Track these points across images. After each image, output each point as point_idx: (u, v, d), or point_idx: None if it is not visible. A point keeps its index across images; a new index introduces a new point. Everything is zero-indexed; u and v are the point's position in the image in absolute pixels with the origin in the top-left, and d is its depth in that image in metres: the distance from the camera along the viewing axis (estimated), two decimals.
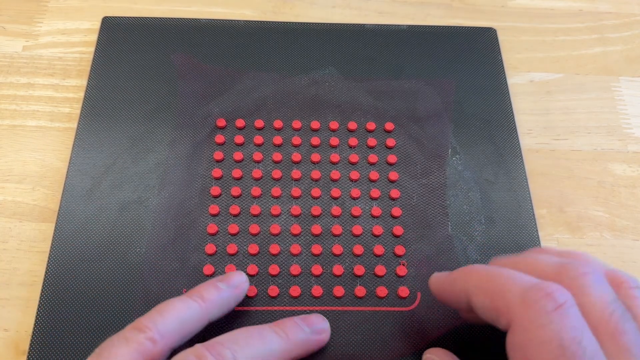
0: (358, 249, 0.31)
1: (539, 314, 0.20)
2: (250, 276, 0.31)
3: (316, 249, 0.31)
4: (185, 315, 0.25)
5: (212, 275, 0.30)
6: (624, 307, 0.21)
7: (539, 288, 0.21)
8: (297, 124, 0.35)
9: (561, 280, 0.21)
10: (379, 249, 0.31)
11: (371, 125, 0.36)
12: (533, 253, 0.25)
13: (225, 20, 0.40)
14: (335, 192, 0.33)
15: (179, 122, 0.35)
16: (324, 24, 0.40)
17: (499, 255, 0.26)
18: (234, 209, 0.32)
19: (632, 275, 0.24)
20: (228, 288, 0.27)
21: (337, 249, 0.31)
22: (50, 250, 0.31)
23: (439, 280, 0.26)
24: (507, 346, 0.21)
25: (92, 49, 0.39)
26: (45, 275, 0.30)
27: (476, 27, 0.41)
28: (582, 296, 0.21)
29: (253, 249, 0.31)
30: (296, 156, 0.34)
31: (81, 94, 0.37)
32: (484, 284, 0.23)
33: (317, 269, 0.31)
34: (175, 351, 0.24)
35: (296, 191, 0.33)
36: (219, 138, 0.35)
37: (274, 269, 0.31)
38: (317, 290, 0.30)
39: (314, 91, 0.37)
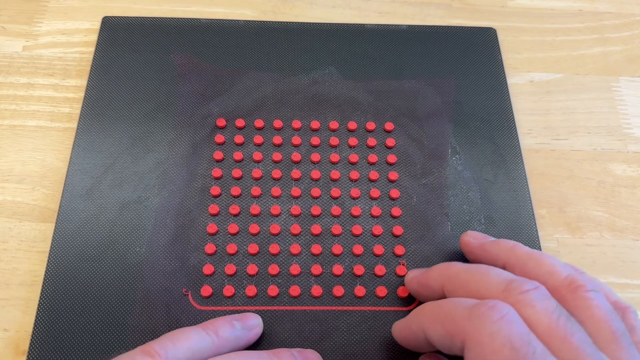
0: (358, 249, 0.31)
1: (486, 324, 0.21)
2: (250, 276, 0.31)
3: (316, 248, 0.31)
4: (197, 347, 0.25)
5: (211, 275, 0.30)
6: (567, 313, 0.22)
7: (482, 304, 0.22)
8: (297, 123, 0.35)
9: (506, 297, 0.23)
10: (378, 249, 0.31)
11: (371, 125, 0.36)
12: (483, 269, 0.26)
13: (225, 20, 0.40)
14: (335, 192, 0.33)
15: (178, 122, 0.35)
16: (324, 24, 0.40)
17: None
18: (234, 209, 0.32)
19: (592, 279, 0.24)
20: (242, 329, 0.27)
21: (337, 248, 0.31)
22: (50, 250, 0.31)
23: (398, 326, 0.27)
24: None
25: (92, 49, 0.39)
26: (45, 275, 0.30)
27: (476, 27, 0.41)
28: (526, 309, 0.22)
29: (253, 248, 0.31)
30: (296, 156, 0.34)
31: (81, 94, 0.37)
32: (435, 314, 0.24)
33: (316, 269, 0.31)
34: None
35: (296, 191, 0.33)
36: (219, 138, 0.35)
37: (273, 269, 0.31)
38: (316, 290, 0.30)
39: (314, 91, 0.37)
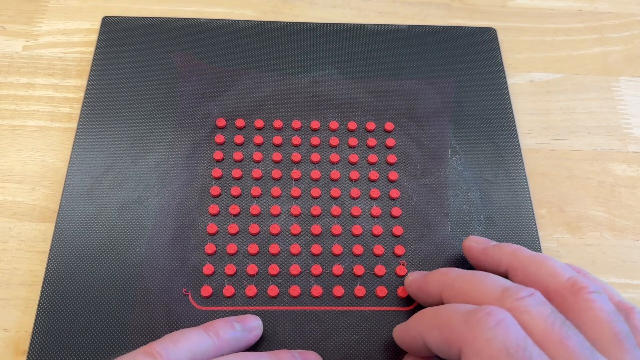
0: (358, 249, 0.31)
1: (482, 331, 0.21)
2: (250, 276, 0.31)
3: (316, 248, 0.31)
4: (198, 348, 0.25)
5: (211, 275, 0.30)
6: (563, 317, 0.22)
7: (478, 310, 0.22)
8: (297, 123, 0.35)
9: (502, 303, 0.23)
10: (378, 249, 0.31)
11: (371, 125, 0.36)
12: (479, 275, 0.26)
13: (225, 20, 0.40)
14: (335, 192, 0.33)
15: (178, 122, 0.35)
16: (324, 24, 0.40)
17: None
18: (234, 209, 0.32)
19: (595, 280, 0.25)
20: (242, 331, 0.27)
21: (337, 248, 0.31)
22: (50, 250, 0.31)
23: (398, 329, 0.27)
24: None
25: (92, 49, 0.39)
26: (45, 275, 0.30)
27: (476, 27, 0.41)
28: (522, 314, 0.22)
29: (253, 248, 0.31)
30: (296, 156, 0.34)
31: (81, 94, 0.37)
32: (432, 321, 0.24)
33: (316, 269, 0.31)
34: None
35: (296, 191, 0.33)
36: (219, 138, 0.35)
37: (273, 269, 0.31)
38: (316, 290, 0.30)
39: (314, 91, 0.37)
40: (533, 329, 0.22)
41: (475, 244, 0.29)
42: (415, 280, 0.29)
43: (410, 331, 0.26)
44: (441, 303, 0.26)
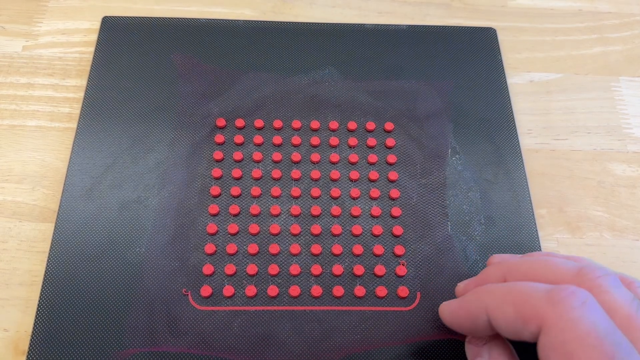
0: (358, 249, 0.31)
1: (568, 310, 0.21)
2: (249, 276, 0.31)
3: (316, 248, 0.31)
4: None
5: (211, 275, 0.30)
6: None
7: (561, 289, 0.21)
8: (296, 123, 0.35)
9: (580, 283, 0.22)
10: (378, 249, 0.31)
11: (371, 125, 0.36)
12: (541, 256, 0.25)
13: (225, 20, 0.40)
14: (335, 192, 0.33)
15: (178, 122, 0.35)
16: (324, 24, 0.40)
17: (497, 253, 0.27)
18: (234, 209, 0.32)
19: (636, 278, 0.24)
20: None
21: (337, 248, 0.31)
22: (50, 250, 0.31)
23: (450, 306, 0.26)
24: (541, 350, 0.21)
25: (92, 49, 0.39)
26: (44, 275, 0.30)
27: (476, 27, 0.41)
28: (603, 295, 0.22)
29: (253, 248, 0.31)
30: (296, 156, 0.34)
31: (81, 94, 0.37)
32: (505, 296, 0.23)
33: (316, 269, 0.31)
34: None
35: (296, 191, 0.33)
36: (219, 138, 0.35)
37: (273, 269, 0.31)
38: (316, 290, 0.30)
39: (314, 91, 0.37)
40: (614, 312, 0.21)
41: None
42: (470, 281, 0.27)
43: (469, 307, 0.25)
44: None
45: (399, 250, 0.31)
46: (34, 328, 0.29)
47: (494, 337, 0.25)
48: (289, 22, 0.40)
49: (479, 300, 0.24)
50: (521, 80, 0.39)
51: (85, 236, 0.31)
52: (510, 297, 0.23)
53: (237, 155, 0.34)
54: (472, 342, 0.26)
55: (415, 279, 0.31)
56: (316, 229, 0.32)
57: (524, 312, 0.22)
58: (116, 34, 0.39)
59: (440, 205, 0.33)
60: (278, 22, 0.40)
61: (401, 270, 0.31)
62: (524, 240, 0.32)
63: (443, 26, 0.40)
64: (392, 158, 0.34)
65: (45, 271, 0.30)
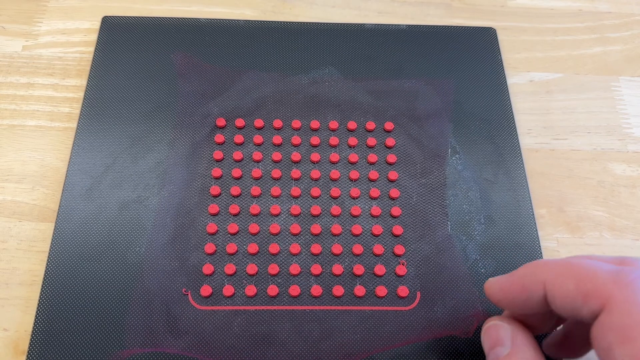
0: (357, 249, 0.31)
1: (637, 294, 0.20)
2: (249, 276, 0.31)
3: (316, 248, 0.31)
4: None
5: (211, 275, 0.30)
6: None
7: (631, 270, 0.21)
8: (296, 123, 0.35)
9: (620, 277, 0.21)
10: (378, 249, 0.31)
11: (371, 125, 0.36)
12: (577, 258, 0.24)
13: (225, 20, 0.40)
14: (335, 191, 0.33)
15: (178, 121, 0.35)
16: (324, 23, 0.40)
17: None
18: (234, 209, 0.32)
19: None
20: None
21: (337, 248, 0.31)
22: (49, 250, 0.31)
23: (500, 281, 0.25)
24: (598, 329, 0.21)
25: (92, 48, 0.39)
26: (44, 275, 0.30)
27: (476, 27, 0.41)
28: None
29: (253, 248, 0.31)
30: (296, 156, 0.34)
31: (81, 94, 0.37)
32: (566, 271, 0.22)
33: (316, 269, 0.31)
34: None
35: (296, 190, 0.33)
36: (219, 137, 0.35)
37: (273, 269, 0.31)
38: (316, 290, 0.30)
39: (314, 91, 0.37)
40: None
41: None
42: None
43: (524, 280, 0.24)
44: (542, 299, 0.23)
45: (399, 249, 0.31)
46: (33, 328, 0.29)
47: (518, 325, 0.25)
48: (289, 22, 0.40)
49: (536, 274, 0.23)
50: (521, 80, 0.39)
51: (85, 236, 0.31)
52: (573, 272, 0.22)
53: (237, 155, 0.34)
54: (490, 330, 0.25)
55: (415, 279, 0.31)
56: (316, 228, 0.32)
57: (587, 289, 0.21)
58: (116, 33, 0.39)
59: (440, 205, 0.33)
60: (278, 22, 0.40)
61: (401, 269, 0.31)
62: (523, 240, 0.32)
63: (443, 26, 0.40)
64: (392, 158, 0.34)
65: (45, 271, 0.30)
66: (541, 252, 0.32)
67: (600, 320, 0.21)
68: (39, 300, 0.29)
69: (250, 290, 0.30)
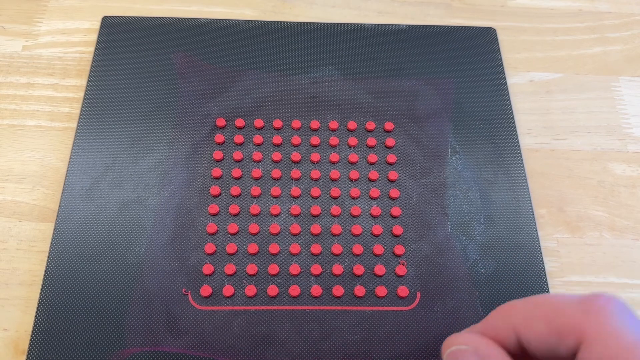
0: (357, 249, 0.31)
1: (610, 319, 0.19)
2: (249, 276, 0.31)
3: (316, 248, 0.31)
4: None
5: (211, 275, 0.30)
6: None
7: (596, 296, 0.20)
8: (296, 123, 0.35)
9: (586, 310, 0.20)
10: (378, 249, 0.31)
11: (371, 125, 0.36)
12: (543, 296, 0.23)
13: (225, 20, 0.40)
14: (335, 191, 0.33)
15: (178, 121, 0.35)
16: (324, 23, 0.40)
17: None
18: (234, 209, 0.32)
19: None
20: None
21: (337, 248, 0.31)
22: (49, 250, 0.31)
23: (469, 336, 0.23)
24: None
25: (92, 48, 0.39)
26: (44, 275, 0.30)
27: (476, 27, 0.41)
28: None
29: (252, 248, 0.31)
30: (296, 156, 0.34)
31: (81, 94, 0.37)
32: (534, 312, 0.21)
33: (316, 269, 0.31)
34: None
35: (296, 191, 0.33)
36: (219, 137, 0.35)
37: (273, 269, 0.31)
38: (316, 290, 0.30)
39: (314, 91, 0.37)
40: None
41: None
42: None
43: (493, 330, 0.22)
44: (516, 343, 0.22)
45: (399, 250, 0.31)
46: (33, 328, 0.29)
47: (485, 344, 0.22)
48: (289, 22, 0.40)
49: (505, 321, 0.22)
50: (521, 80, 0.39)
51: (85, 236, 0.31)
52: (540, 311, 0.21)
53: (237, 155, 0.34)
54: (455, 356, 0.23)
55: (415, 279, 0.31)
56: (316, 228, 0.32)
57: (558, 325, 0.20)
58: (116, 33, 0.39)
59: (440, 205, 0.33)
60: (278, 22, 0.40)
61: (401, 270, 0.31)
62: (523, 240, 0.32)
63: (443, 26, 0.40)
64: (392, 158, 0.34)
65: (45, 271, 0.30)
66: (541, 252, 0.32)
67: (583, 355, 0.20)
68: (39, 300, 0.29)
69: (250, 290, 0.30)
